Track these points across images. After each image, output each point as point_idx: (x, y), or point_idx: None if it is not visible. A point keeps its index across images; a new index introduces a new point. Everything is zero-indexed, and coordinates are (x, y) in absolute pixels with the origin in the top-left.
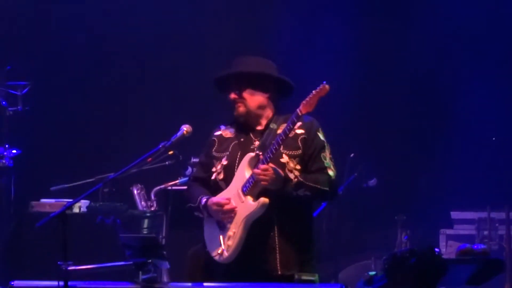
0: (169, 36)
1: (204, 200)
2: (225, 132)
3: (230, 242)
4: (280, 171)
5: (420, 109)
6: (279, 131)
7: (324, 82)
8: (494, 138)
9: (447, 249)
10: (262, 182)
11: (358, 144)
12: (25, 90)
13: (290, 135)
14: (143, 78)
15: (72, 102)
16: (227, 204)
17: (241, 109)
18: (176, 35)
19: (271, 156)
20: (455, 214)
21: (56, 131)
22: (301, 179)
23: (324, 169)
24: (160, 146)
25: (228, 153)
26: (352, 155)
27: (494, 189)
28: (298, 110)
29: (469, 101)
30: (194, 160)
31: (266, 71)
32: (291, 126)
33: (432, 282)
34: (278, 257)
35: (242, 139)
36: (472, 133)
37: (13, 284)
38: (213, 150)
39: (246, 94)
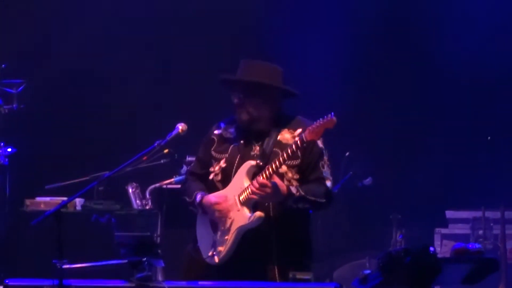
0: (165, 34)
1: (199, 196)
2: (224, 131)
3: (221, 248)
4: (283, 187)
5: (415, 108)
6: (279, 137)
7: (332, 114)
8: (489, 137)
9: (442, 248)
10: (258, 198)
11: (354, 143)
12: (20, 88)
13: (290, 141)
14: (138, 77)
15: (67, 100)
16: (224, 202)
17: (244, 116)
18: (171, 33)
19: (271, 173)
20: (450, 213)
21: (51, 130)
22: (303, 193)
23: (322, 179)
24: (155, 144)
25: (227, 155)
26: (347, 153)
27: (489, 189)
28: (303, 136)
29: (465, 99)
30: (190, 158)
31: (272, 82)
32: (294, 150)
33: (426, 281)
34: (276, 266)
35: (242, 141)
36: (467, 132)
37: (7, 282)
38: (212, 149)
39: (250, 103)
